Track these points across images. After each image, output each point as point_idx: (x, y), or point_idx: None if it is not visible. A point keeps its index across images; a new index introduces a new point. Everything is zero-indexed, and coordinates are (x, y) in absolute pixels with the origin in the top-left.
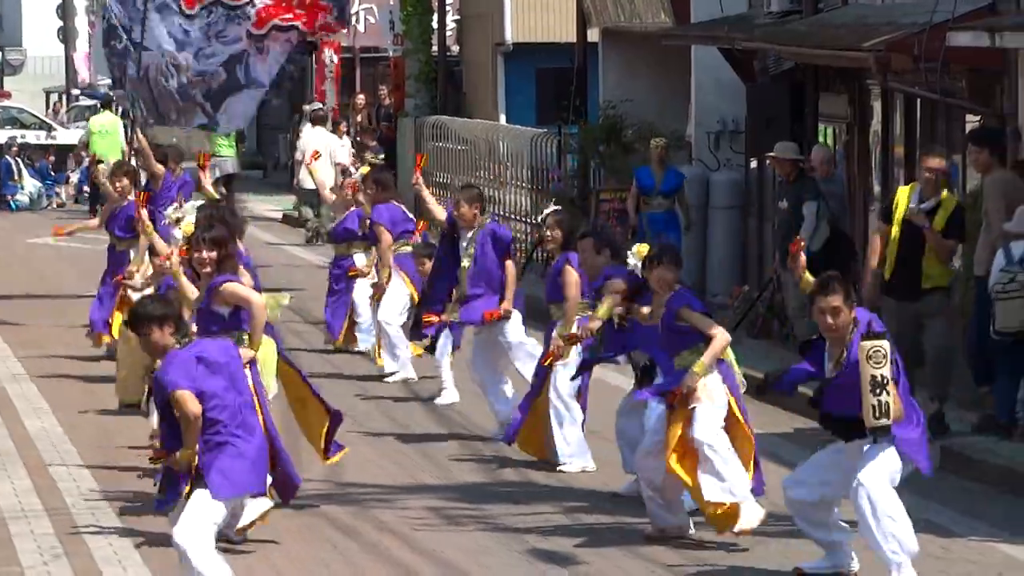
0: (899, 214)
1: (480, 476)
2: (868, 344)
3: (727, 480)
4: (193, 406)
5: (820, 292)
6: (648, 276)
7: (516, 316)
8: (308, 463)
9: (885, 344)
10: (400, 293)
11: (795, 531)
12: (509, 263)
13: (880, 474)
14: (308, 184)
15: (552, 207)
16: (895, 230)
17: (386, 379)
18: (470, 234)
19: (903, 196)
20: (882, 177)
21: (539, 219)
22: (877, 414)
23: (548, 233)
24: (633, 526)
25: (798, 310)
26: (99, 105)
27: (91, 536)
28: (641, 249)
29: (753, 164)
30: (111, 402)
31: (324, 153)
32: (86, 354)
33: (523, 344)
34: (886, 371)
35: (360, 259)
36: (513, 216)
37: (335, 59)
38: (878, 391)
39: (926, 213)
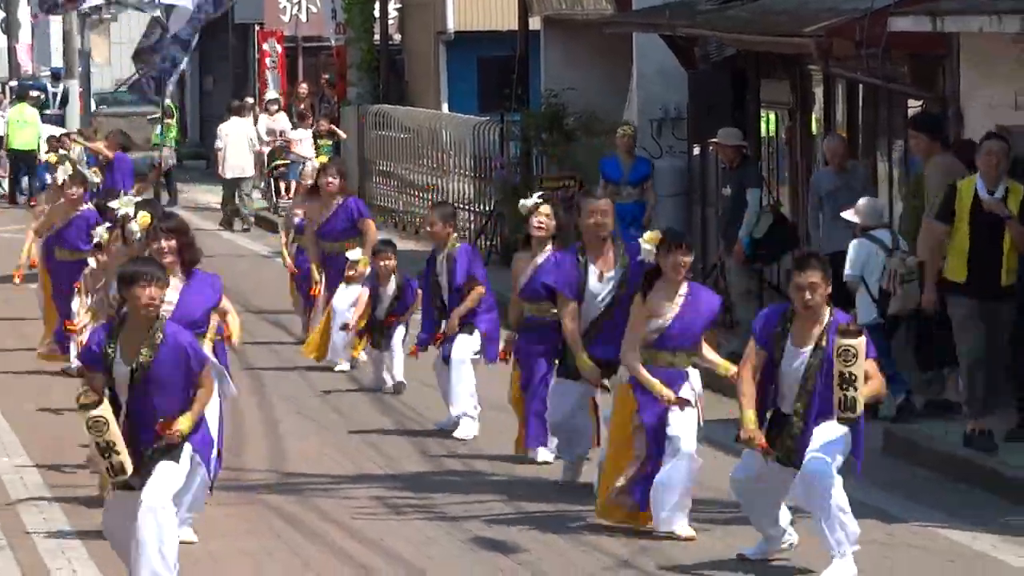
0: (964, 210)
1: (424, 466)
2: (842, 342)
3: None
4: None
5: (798, 268)
6: (664, 262)
7: (470, 336)
8: (251, 452)
9: (859, 343)
10: (354, 289)
11: (739, 518)
12: (477, 289)
13: (830, 462)
14: (229, 174)
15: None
16: (963, 227)
17: (336, 369)
18: (441, 255)
19: (966, 190)
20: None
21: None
22: (843, 407)
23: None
24: (576, 514)
25: (742, 296)
26: (15, 97)
27: (36, 529)
28: (653, 235)
29: (696, 151)
30: (57, 396)
31: (243, 141)
32: (32, 346)
33: (464, 363)
34: (856, 369)
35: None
36: (457, 204)
37: (279, 49)
38: (846, 386)
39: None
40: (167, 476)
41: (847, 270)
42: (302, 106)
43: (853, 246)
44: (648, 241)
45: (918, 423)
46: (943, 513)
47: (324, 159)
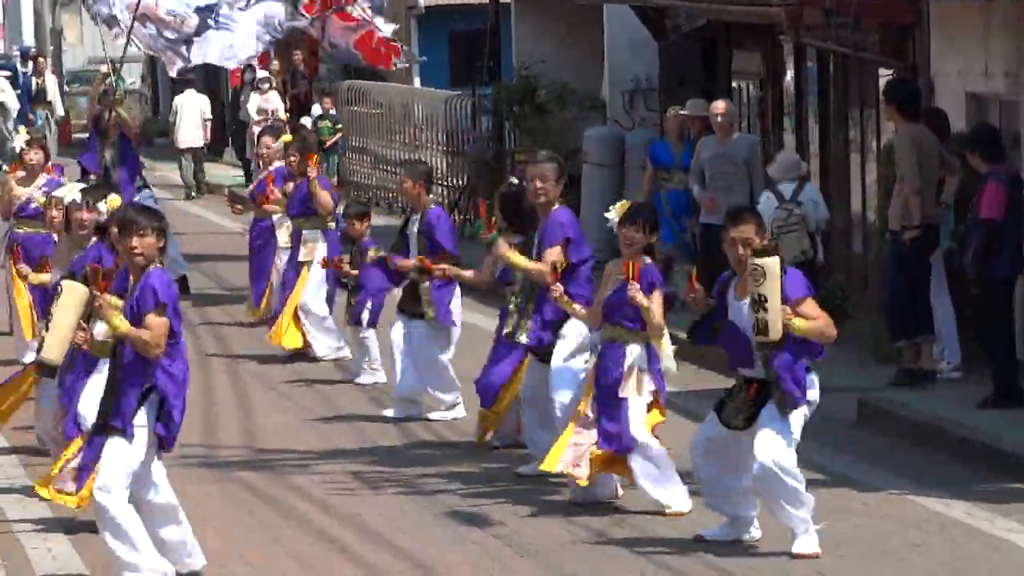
0: None
1: (396, 440)
2: (752, 261)
3: (664, 480)
4: (163, 346)
5: (731, 222)
6: (619, 233)
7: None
8: (224, 429)
9: (770, 262)
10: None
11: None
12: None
13: (782, 442)
14: (181, 144)
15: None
16: None
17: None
18: (416, 216)
19: None
20: (796, 132)
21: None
22: (756, 330)
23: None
24: (550, 487)
25: None
26: None
27: (13, 511)
28: (622, 206)
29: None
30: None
31: (195, 113)
32: (4, 331)
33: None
34: (765, 290)
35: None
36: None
37: None
38: (756, 308)
39: None
40: (118, 456)
41: None
42: (275, 83)
43: (761, 198)
44: (615, 210)
45: (890, 390)
46: (917, 481)
47: (288, 138)
